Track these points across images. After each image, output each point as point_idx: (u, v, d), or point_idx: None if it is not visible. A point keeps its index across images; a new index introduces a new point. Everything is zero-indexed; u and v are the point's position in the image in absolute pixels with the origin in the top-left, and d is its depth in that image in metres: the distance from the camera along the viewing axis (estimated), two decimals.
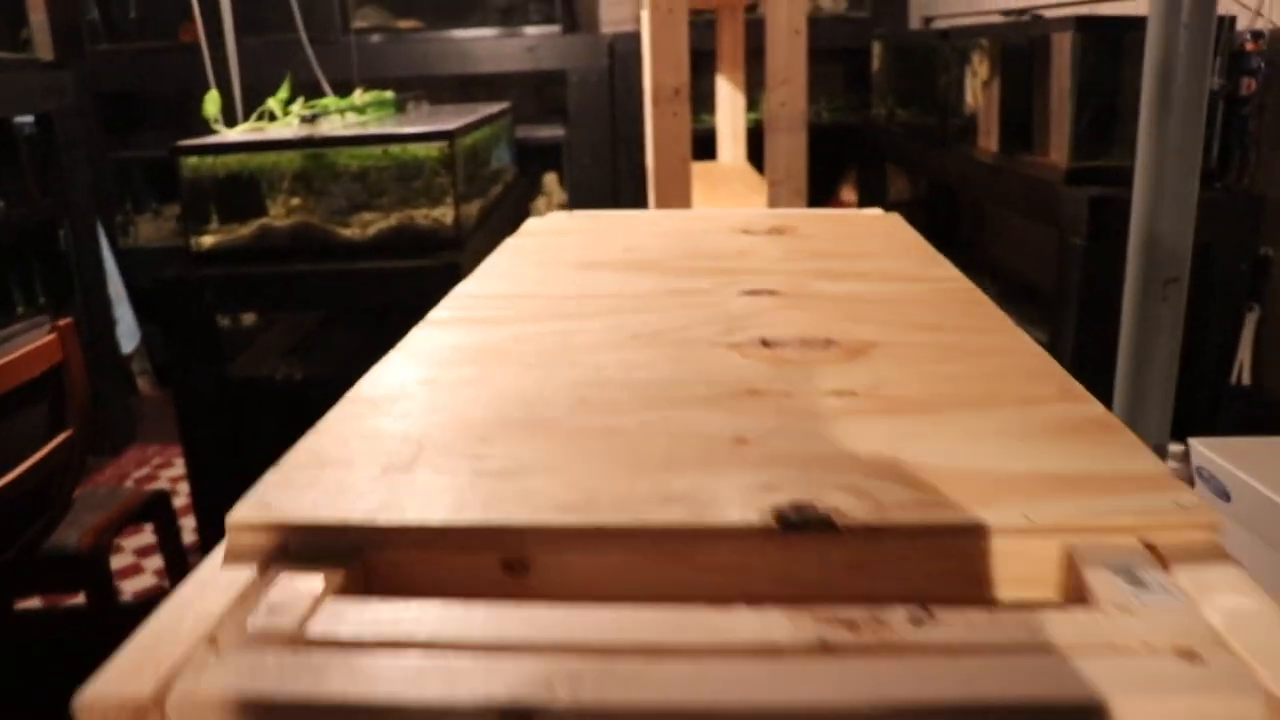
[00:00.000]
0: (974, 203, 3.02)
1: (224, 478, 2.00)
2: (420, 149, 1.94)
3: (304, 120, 1.93)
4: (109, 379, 3.42)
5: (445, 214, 1.95)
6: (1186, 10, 1.25)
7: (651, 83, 1.99)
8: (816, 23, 3.72)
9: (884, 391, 0.62)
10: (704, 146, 3.66)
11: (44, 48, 3.80)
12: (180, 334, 1.90)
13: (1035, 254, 2.51)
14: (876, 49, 3.18)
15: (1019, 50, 2.09)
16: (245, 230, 1.95)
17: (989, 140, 2.25)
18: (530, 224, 1.20)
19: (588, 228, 1.17)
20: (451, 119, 2.24)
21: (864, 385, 0.63)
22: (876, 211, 1.32)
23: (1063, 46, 1.81)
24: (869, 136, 3.30)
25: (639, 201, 3.65)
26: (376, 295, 1.89)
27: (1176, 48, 1.27)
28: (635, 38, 3.58)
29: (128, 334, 3.69)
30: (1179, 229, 1.31)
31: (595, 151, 3.66)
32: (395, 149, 1.93)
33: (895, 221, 1.20)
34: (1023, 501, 0.48)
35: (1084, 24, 1.74)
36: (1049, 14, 2.32)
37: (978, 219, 3.04)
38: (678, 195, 2.05)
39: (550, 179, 3.81)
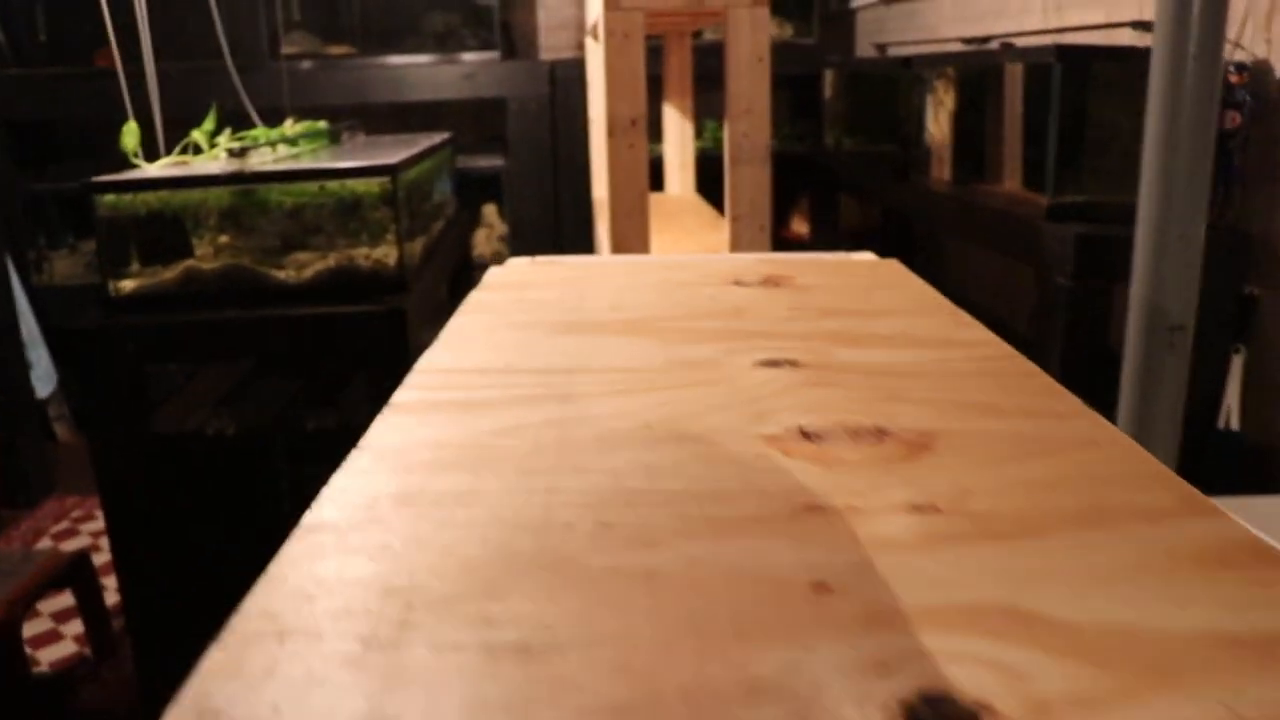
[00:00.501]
0: (933, 236, 2.95)
1: (149, 539, 1.83)
2: (360, 184, 1.80)
3: (232, 154, 1.79)
4: (23, 426, 3.21)
5: (388, 254, 1.81)
6: (1194, 42, 1.16)
7: (607, 113, 1.88)
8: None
9: (971, 505, 0.51)
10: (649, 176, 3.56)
11: None
12: (98, 388, 1.74)
13: (1007, 292, 2.45)
14: (829, 76, 3.11)
15: (991, 80, 2.02)
16: (169, 273, 1.80)
17: (956, 171, 2.17)
18: (493, 275, 1.07)
19: (560, 279, 1.05)
20: (392, 151, 2.10)
21: (944, 496, 0.52)
22: (868, 256, 1.22)
23: (1042, 77, 1.73)
24: (820, 166, 3.22)
25: (584, 235, 3.53)
26: (316, 343, 1.75)
27: (1183, 81, 1.18)
28: (577, 64, 3.48)
29: (44, 377, 3.48)
30: (1185, 273, 1.23)
31: (537, 181, 3.54)
32: (333, 185, 1.80)
33: (897, 270, 1.10)
34: (1203, 679, 0.37)
35: (1066, 54, 1.66)
36: (1021, 43, 2.26)
37: (938, 253, 2.97)
38: (636, 233, 1.94)
39: (490, 210, 3.68)
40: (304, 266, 1.81)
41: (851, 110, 2.92)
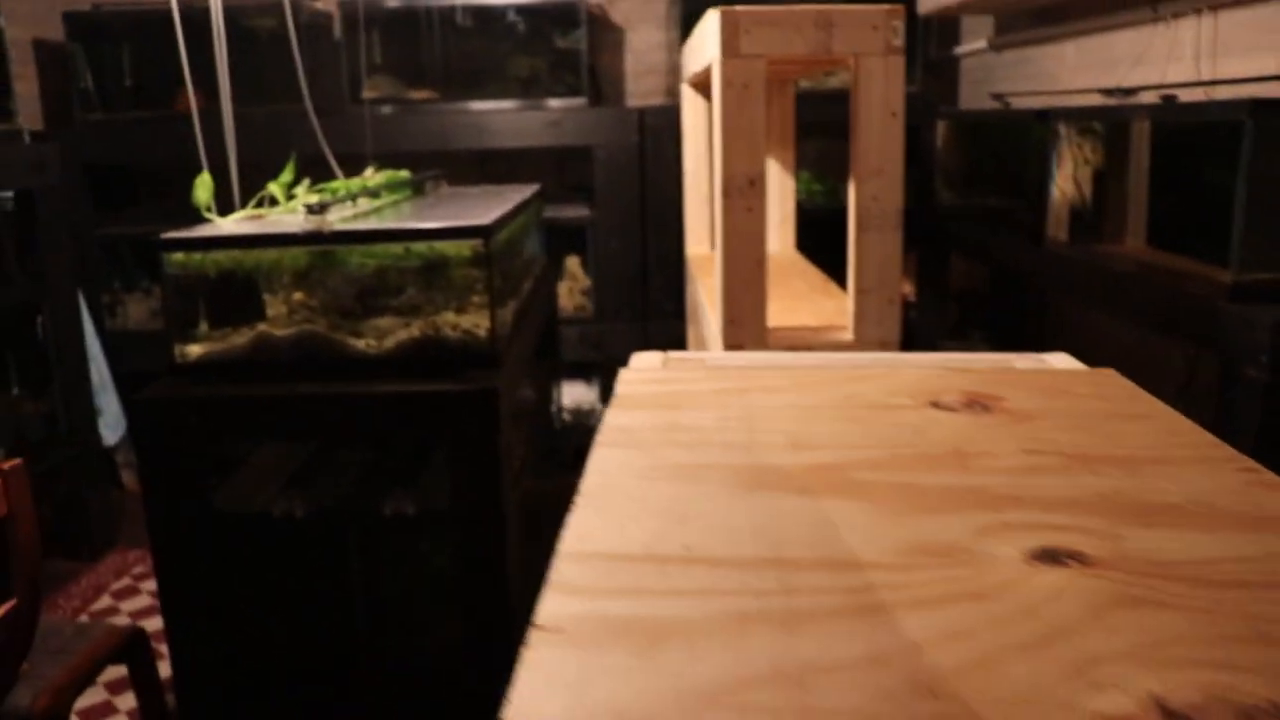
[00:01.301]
0: (1061, 303, 2.72)
1: (205, 620, 1.66)
2: (450, 246, 1.63)
3: (311, 210, 1.63)
4: (89, 477, 3.09)
5: (478, 323, 1.63)
6: None
7: (723, 172, 1.69)
8: (841, 96, 3.45)
9: None
10: None
11: (31, 118, 3.52)
12: (159, 463, 1.58)
13: (1156, 372, 2.20)
14: (941, 127, 2.89)
15: (1156, 136, 1.80)
16: (240, 339, 1.64)
17: (1105, 236, 1.95)
18: (628, 384, 0.88)
19: (711, 392, 0.85)
20: (481, 207, 1.93)
21: None
22: (1066, 359, 1.01)
23: (1228, 135, 1.51)
24: (929, 222, 3.00)
25: (673, 292, 3.35)
26: (397, 424, 1.57)
27: None
28: (667, 111, 3.31)
29: (112, 424, 3.36)
30: None
31: (623, 233, 3.36)
32: (419, 246, 1.63)
33: (1121, 385, 0.88)
34: None
35: (1262, 109, 1.44)
36: (1168, 95, 2.04)
37: (1065, 322, 2.74)
38: (752, 305, 1.74)
39: (573, 262, 3.51)
40: (385, 335, 1.63)
41: (969, 164, 2.70)
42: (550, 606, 0.48)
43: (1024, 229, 2.24)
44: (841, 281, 2.43)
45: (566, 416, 3.48)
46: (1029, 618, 0.48)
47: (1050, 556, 0.54)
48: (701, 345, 2.94)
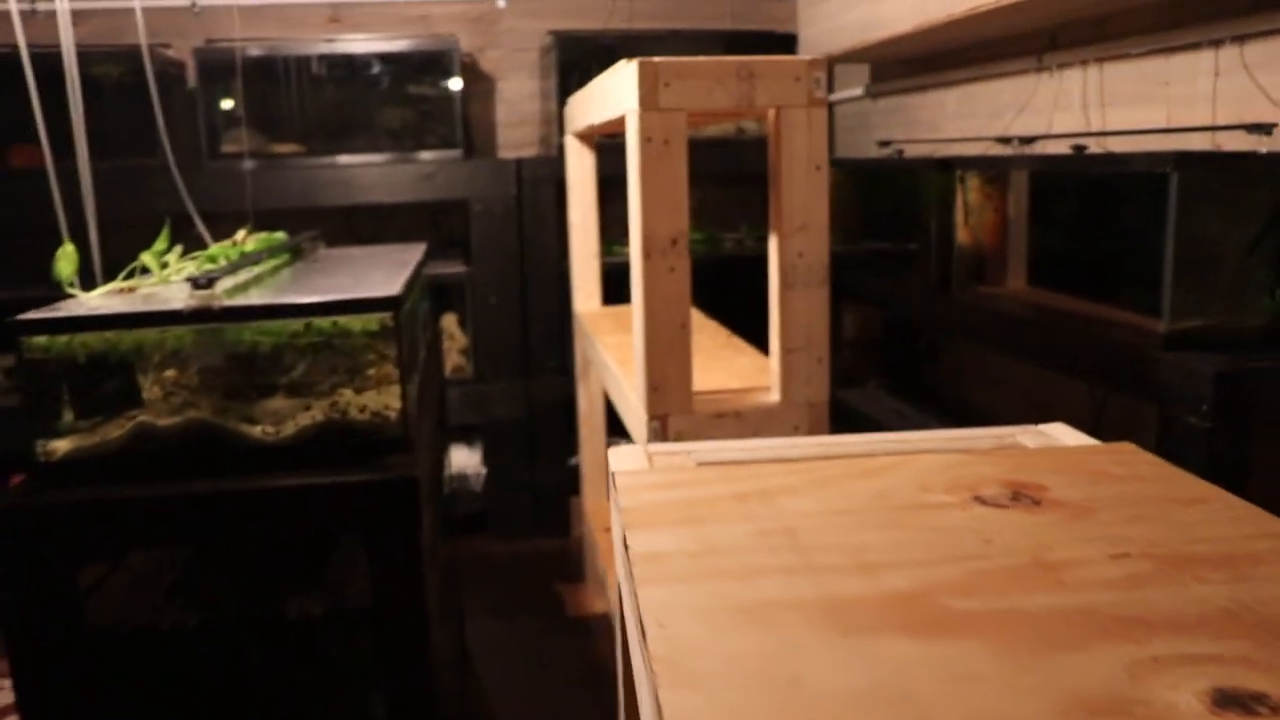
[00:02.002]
0: (961, 348, 2.72)
1: None
2: (354, 320, 1.49)
3: (197, 285, 1.46)
4: None
5: (388, 404, 1.50)
6: None
7: (642, 232, 1.61)
8: (739, 144, 3.44)
9: None
10: (621, 282, 3.28)
11: None
12: (19, 582, 1.38)
13: (1067, 414, 2.20)
14: (833, 175, 2.88)
15: (1071, 185, 1.80)
16: (115, 431, 1.46)
17: (1017, 285, 1.94)
18: (631, 493, 0.77)
19: (729, 496, 0.75)
20: (379, 272, 1.80)
21: None
22: (1064, 429, 0.95)
23: (1153, 186, 1.50)
24: None
25: (556, 349, 3.24)
26: (305, 520, 1.41)
27: None
28: (543, 163, 3.22)
29: None
30: None
31: (502, 289, 3.24)
32: (322, 321, 1.48)
33: (1148, 461, 0.82)
34: None
35: (1186, 161, 1.43)
36: (1055, 145, 2.05)
37: (965, 367, 2.73)
38: (677, 371, 1.65)
39: (450, 321, 3.37)
40: (284, 420, 1.48)
41: (858, 212, 2.69)
42: None
43: (927, 276, 2.22)
44: (739, 333, 2.37)
45: (451, 483, 3.32)
46: None
47: (1232, 701, 0.46)
48: (593, 405, 2.85)
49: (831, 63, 3.29)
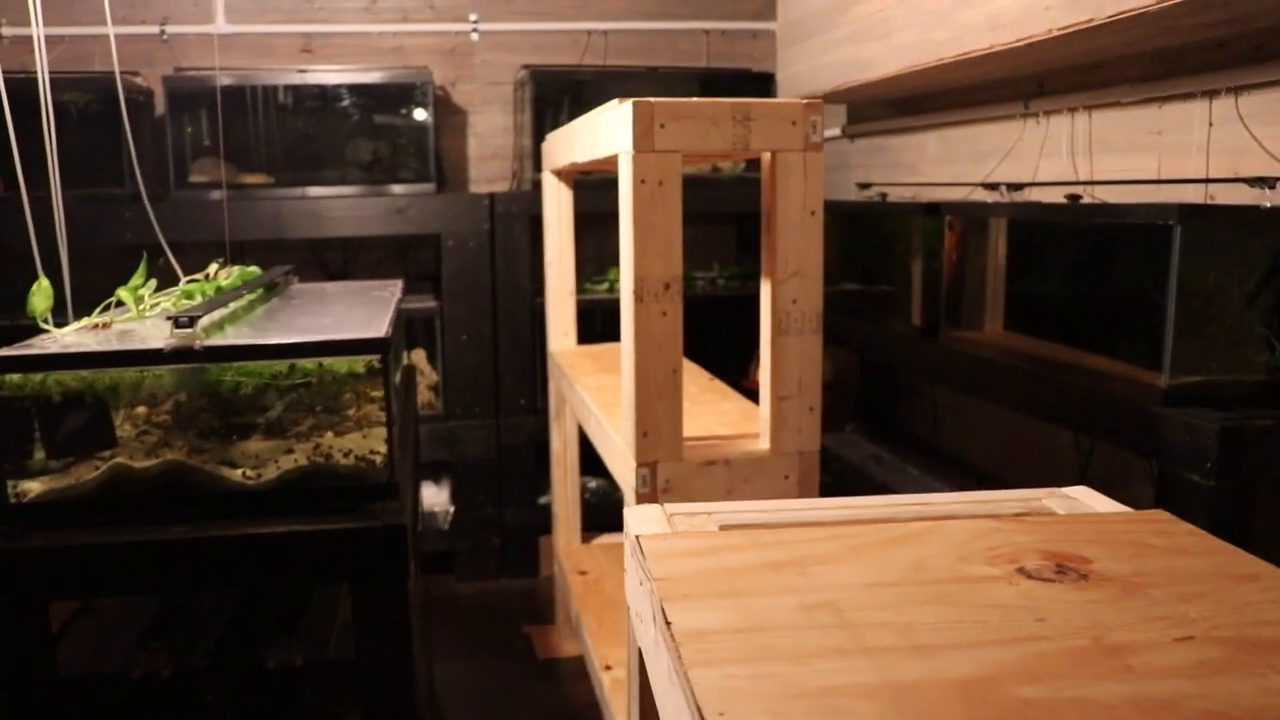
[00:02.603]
0: (941, 395, 2.71)
1: None
2: (341, 361, 1.45)
3: (178, 324, 1.42)
4: None
5: (375, 449, 1.45)
6: None
7: (634, 274, 1.58)
8: (714, 183, 3.44)
9: None
10: (591, 319, 3.26)
11: None
12: None
13: (1049, 463, 2.19)
14: None
15: (1065, 234, 1.79)
16: (90, 473, 1.40)
17: (1007, 331, 1.93)
18: (663, 558, 0.74)
19: (763, 565, 0.72)
20: (361, 310, 1.76)
21: None
22: (1092, 494, 0.93)
23: (1155, 237, 1.50)
24: None
25: (527, 386, 3.20)
26: (289, 569, 1.36)
27: None
28: (516, 198, 3.19)
29: None
30: None
31: (473, 325, 3.20)
32: (308, 362, 1.44)
33: (1187, 531, 0.81)
34: None
35: (1191, 214, 1.44)
36: (1039, 193, 2.05)
37: (938, 413, 2.73)
38: (668, 417, 1.62)
39: (420, 356, 3.32)
40: (266, 464, 1.43)
41: (840, 255, 2.68)
42: None
43: (911, 321, 2.21)
44: (717, 375, 2.35)
45: (420, 521, 3.26)
46: None
47: None
48: (568, 445, 2.81)
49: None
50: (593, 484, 3.31)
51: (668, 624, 0.62)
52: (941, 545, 0.76)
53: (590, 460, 2.85)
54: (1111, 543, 0.77)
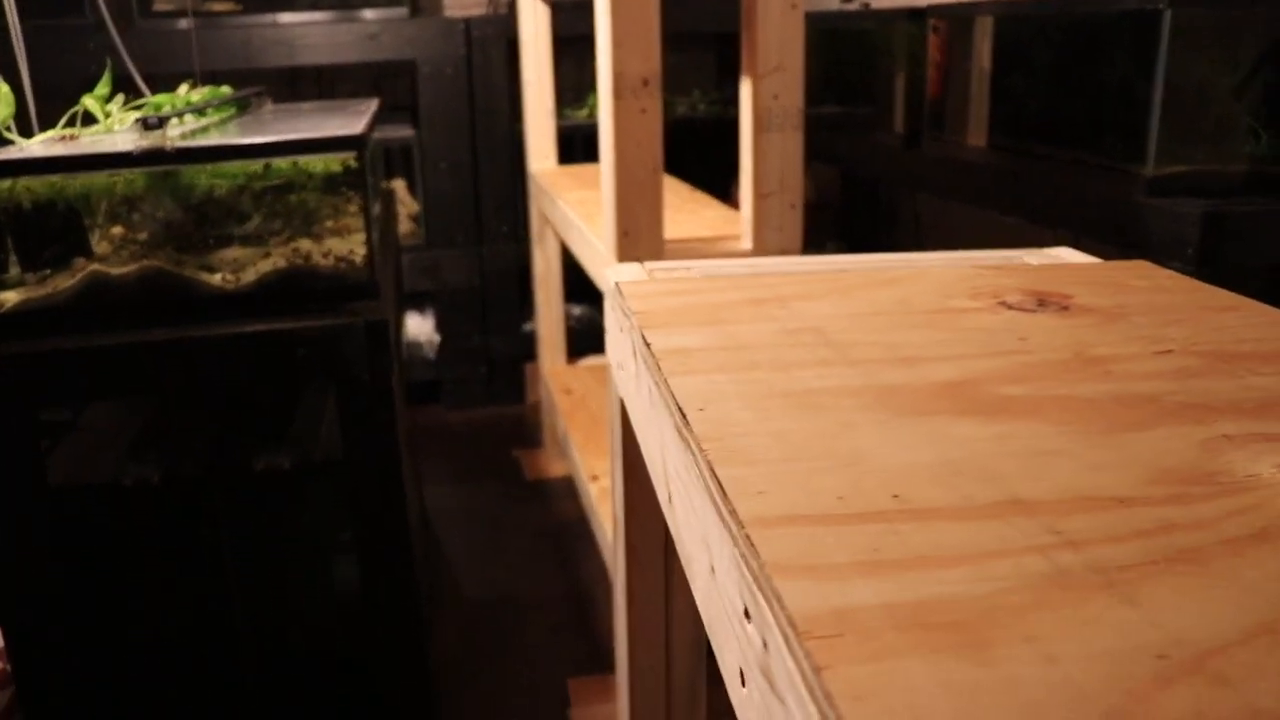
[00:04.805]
0: (915, 207, 2.69)
1: (55, 642, 1.43)
2: (317, 161, 1.42)
3: (147, 126, 1.38)
4: None
5: (354, 249, 1.44)
6: None
7: (612, 71, 1.54)
8: (688, 2, 3.33)
9: None
10: (571, 145, 3.21)
11: None
12: None
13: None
14: None
15: (1050, 30, 1.75)
16: (67, 281, 1.39)
17: (988, 134, 1.90)
18: (641, 298, 0.73)
19: (741, 301, 0.72)
20: (336, 120, 1.72)
21: None
22: (1074, 254, 0.93)
23: (1143, 25, 1.47)
24: None
25: (508, 213, 3.17)
26: (271, 369, 1.36)
27: None
28: (493, 22, 3.10)
29: None
30: None
31: (452, 154, 3.14)
32: (282, 162, 1.41)
33: (1168, 275, 0.80)
34: None
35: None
36: None
37: (921, 228, 2.71)
38: (648, 216, 1.61)
39: (399, 186, 3.27)
40: (243, 268, 1.42)
41: (827, 70, 2.62)
42: (800, 599, 0.34)
43: (894, 132, 2.17)
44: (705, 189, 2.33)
45: (406, 351, 3.27)
46: None
47: None
48: (550, 267, 2.80)
49: None
50: (576, 310, 3.32)
51: (647, 345, 0.62)
52: (926, 286, 0.75)
53: (574, 286, 2.85)
54: (1092, 284, 0.77)
